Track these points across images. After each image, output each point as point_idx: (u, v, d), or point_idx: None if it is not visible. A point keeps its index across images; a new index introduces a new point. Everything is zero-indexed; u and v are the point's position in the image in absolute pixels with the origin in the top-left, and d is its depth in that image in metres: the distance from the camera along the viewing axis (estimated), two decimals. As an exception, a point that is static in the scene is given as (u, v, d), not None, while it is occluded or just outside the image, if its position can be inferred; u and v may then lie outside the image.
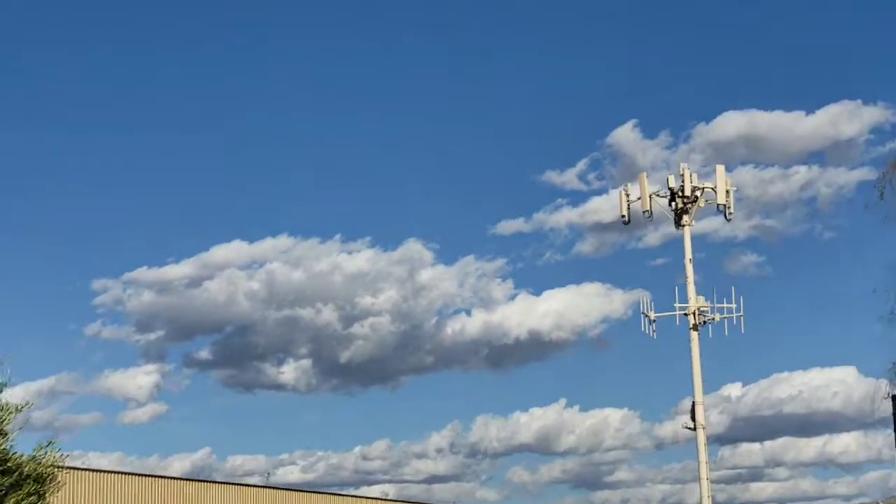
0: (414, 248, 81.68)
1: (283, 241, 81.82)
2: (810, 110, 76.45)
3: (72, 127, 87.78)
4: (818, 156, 79.48)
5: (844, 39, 77.10)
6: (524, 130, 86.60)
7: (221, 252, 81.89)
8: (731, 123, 74.93)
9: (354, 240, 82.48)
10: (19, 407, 21.37)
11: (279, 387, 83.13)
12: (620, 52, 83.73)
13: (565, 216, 79.63)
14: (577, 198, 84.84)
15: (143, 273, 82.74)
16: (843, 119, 73.64)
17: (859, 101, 74.15)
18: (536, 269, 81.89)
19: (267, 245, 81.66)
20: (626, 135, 77.69)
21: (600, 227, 77.17)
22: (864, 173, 72.28)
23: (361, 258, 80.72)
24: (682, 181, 34.40)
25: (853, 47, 77.15)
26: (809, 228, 75.97)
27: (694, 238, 34.45)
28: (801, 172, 74.40)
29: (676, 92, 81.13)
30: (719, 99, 79.03)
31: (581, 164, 78.81)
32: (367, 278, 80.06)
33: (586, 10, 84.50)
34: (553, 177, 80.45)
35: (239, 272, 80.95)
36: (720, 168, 34.76)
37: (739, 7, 79.80)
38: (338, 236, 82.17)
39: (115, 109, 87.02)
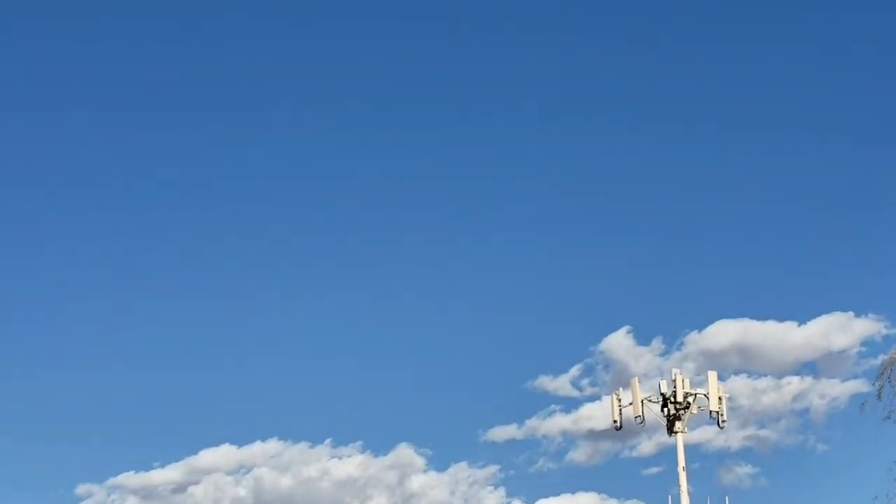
0: (405, 453, 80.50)
1: (273, 445, 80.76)
2: (802, 321, 76.71)
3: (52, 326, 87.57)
4: (811, 366, 79.40)
5: (836, 253, 78.24)
6: (518, 336, 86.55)
7: (209, 456, 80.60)
8: (724, 332, 74.93)
9: (345, 444, 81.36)
10: None
11: None
12: (616, 260, 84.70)
13: (558, 423, 78.88)
14: (570, 404, 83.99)
15: (129, 478, 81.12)
16: (835, 330, 73.78)
17: (851, 314, 74.45)
18: (529, 476, 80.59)
19: (256, 449, 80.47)
20: (619, 341, 77.65)
21: (593, 435, 76.23)
22: (857, 385, 72.07)
23: (352, 463, 79.45)
24: (675, 387, 34.28)
25: (845, 261, 78.19)
26: (803, 440, 75.28)
27: (688, 447, 34.21)
28: (794, 383, 74.22)
29: (670, 300, 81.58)
30: (712, 308, 79.45)
31: (574, 371, 78.54)
32: (357, 484, 78.60)
33: (579, 215, 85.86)
34: (546, 382, 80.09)
35: (226, 477, 79.51)
36: (712, 374, 34.65)
37: (729, 217, 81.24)
38: (328, 440, 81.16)
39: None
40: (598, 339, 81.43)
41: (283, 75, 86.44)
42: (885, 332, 69.73)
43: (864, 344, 71.92)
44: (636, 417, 34.50)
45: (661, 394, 34.32)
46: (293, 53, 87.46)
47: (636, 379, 35.00)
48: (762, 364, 74.87)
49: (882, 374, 30.34)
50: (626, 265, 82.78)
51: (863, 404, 30.58)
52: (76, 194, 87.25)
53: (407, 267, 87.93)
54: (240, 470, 78.81)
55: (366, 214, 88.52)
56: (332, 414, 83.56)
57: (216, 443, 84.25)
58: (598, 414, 69.87)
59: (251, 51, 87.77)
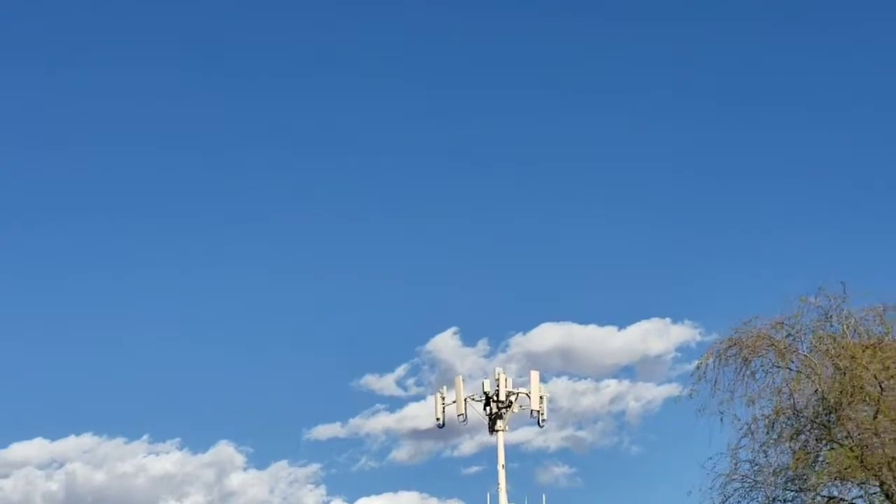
0: (225, 450, 79.50)
1: (87, 439, 78.72)
2: (622, 326, 78.93)
3: None
4: (628, 370, 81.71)
5: (655, 260, 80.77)
6: (344, 335, 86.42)
7: (20, 450, 78.06)
8: (548, 335, 76.48)
9: (163, 440, 79.88)
10: None
11: None
12: (441, 260, 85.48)
13: (382, 422, 79.13)
14: (395, 404, 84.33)
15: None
16: (653, 336, 76.12)
17: (668, 320, 76.97)
18: (351, 475, 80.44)
19: (69, 443, 78.32)
20: (445, 342, 78.42)
21: (416, 434, 76.73)
22: (671, 389, 74.19)
23: (169, 460, 78.04)
24: (498, 386, 34.78)
25: (663, 269, 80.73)
26: (619, 441, 77.37)
27: (508, 447, 34.71)
28: (612, 386, 76.21)
29: (496, 302, 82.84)
30: (537, 311, 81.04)
31: (400, 370, 78.94)
32: (174, 481, 77.23)
33: (407, 215, 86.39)
34: (372, 381, 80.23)
35: (37, 471, 77.12)
36: (534, 374, 35.31)
37: (554, 224, 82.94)
38: (146, 436, 79.57)
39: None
40: (425, 340, 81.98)
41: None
42: (699, 338, 72.13)
43: (679, 349, 74.41)
44: (459, 416, 34.89)
45: (485, 392, 34.77)
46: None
47: (460, 377, 35.41)
48: (583, 367, 76.63)
49: (698, 368, 31.53)
50: (454, 267, 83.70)
51: (682, 396, 31.79)
52: None
53: (231, 260, 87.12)
54: (52, 464, 76.69)
55: (187, 202, 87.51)
56: (150, 409, 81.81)
57: (28, 436, 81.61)
58: (422, 413, 70.36)
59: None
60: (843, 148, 78.58)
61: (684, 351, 73.28)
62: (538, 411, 34.91)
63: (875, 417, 29.16)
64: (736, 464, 30.70)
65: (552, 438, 70.59)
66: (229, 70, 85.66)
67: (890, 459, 28.76)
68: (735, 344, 31.20)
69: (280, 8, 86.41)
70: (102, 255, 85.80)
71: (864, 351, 29.52)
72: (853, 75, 79.97)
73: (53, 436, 79.76)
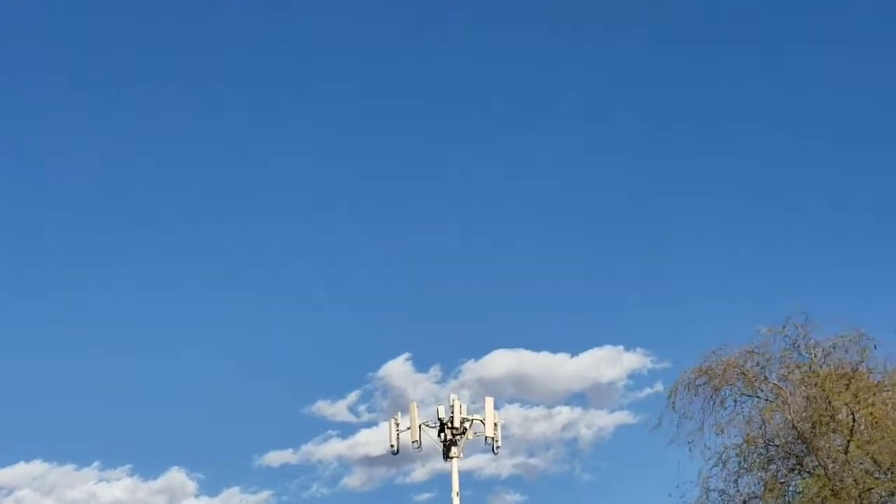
0: (177, 477, 77.67)
1: (37, 466, 76.30)
2: (574, 353, 79.48)
3: None
4: (580, 397, 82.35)
5: (608, 288, 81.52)
6: (296, 361, 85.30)
7: (-31, 478, 75.15)
8: (500, 362, 76.56)
9: (114, 467, 77.56)
10: None
11: None
12: (393, 287, 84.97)
13: (334, 448, 78.15)
14: (346, 430, 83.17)
15: None
16: (605, 363, 76.83)
17: (621, 348, 77.81)
18: (302, 502, 79.28)
19: (18, 470, 75.85)
20: (398, 368, 77.84)
21: (368, 461, 75.97)
22: (623, 416, 75.32)
23: (120, 487, 75.98)
24: (452, 412, 34.10)
25: (617, 297, 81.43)
26: (570, 468, 77.69)
27: (460, 474, 34.08)
28: (564, 413, 76.64)
29: (449, 328, 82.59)
30: (490, 337, 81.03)
31: (352, 396, 78.05)
32: (124, 509, 75.07)
33: (358, 241, 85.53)
34: (324, 408, 79.20)
35: (-15, 499, 74.22)
36: (489, 400, 34.60)
37: (506, 250, 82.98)
38: (96, 463, 77.35)
39: None
40: (378, 366, 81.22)
41: None
42: (651, 366, 73.05)
43: (630, 377, 75.12)
44: (413, 442, 34.06)
45: (439, 419, 34.03)
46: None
47: (415, 403, 34.52)
48: (535, 394, 76.91)
49: (669, 397, 31.30)
50: (406, 293, 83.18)
51: (650, 424, 31.60)
52: None
53: (182, 285, 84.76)
54: (1, 491, 74.28)
55: (139, 217, 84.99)
56: (101, 436, 79.74)
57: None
58: (374, 440, 69.70)
59: None
60: (797, 174, 79.21)
61: (636, 378, 73.97)
62: (493, 438, 34.23)
63: (847, 447, 29.20)
64: (706, 493, 30.47)
65: (504, 465, 70.52)
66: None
67: (862, 490, 28.82)
68: (705, 373, 31.03)
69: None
70: (49, 277, 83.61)
71: (837, 380, 29.57)
72: (811, 101, 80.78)
73: (2, 463, 77.13)
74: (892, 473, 28.61)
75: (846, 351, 30.46)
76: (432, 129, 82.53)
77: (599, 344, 78.93)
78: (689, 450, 30.79)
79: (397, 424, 34.29)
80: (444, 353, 79.55)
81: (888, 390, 30.07)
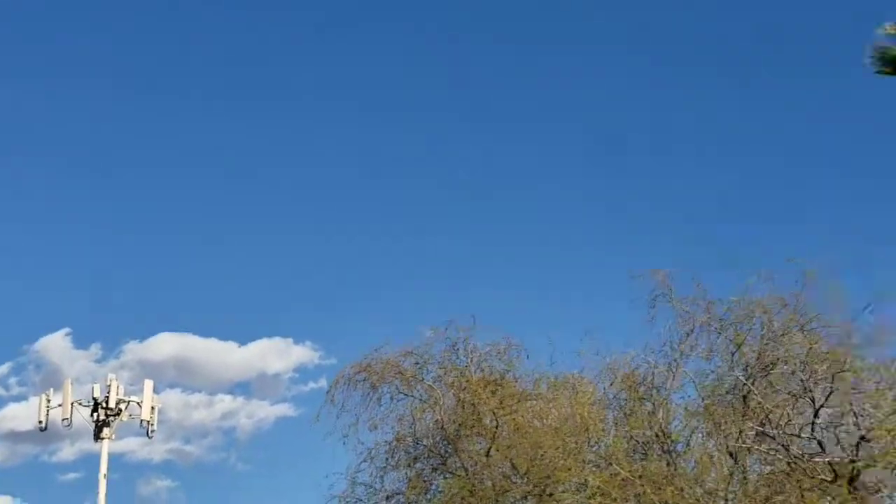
0: None
1: None
2: (243, 342, 78.26)
3: None
4: (244, 387, 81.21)
5: (280, 278, 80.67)
6: None
7: None
8: (165, 345, 74.48)
9: None
10: None
11: None
12: (53, 260, 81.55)
13: None
14: None
15: None
16: (272, 354, 76.12)
17: (290, 340, 77.21)
18: None
19: None
20: (56, 343, 74.50)
21: (14, 436, 72.33)
22: (285, 408, 74.93)
23: None
24: (108, 392, 33.45)
25: (288, 288, 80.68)
26: (226, 457, 76.50)
27: (111, 457, 33.63)
28: (226, 401, 75.53)
29: (114, 305, 79.54)
30: (156, 319, 78.52)
31: (3, 368, 74.11)
32: None
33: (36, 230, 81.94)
34: None
35: None
36: (148, 383, 34.24)
37: (190, 236, 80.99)
38: None
39: None
40: (34, 339, 77.54)
41: None
42: (318, 360, 72.97)
43: (297, 370, 74.81)
44: (64, 420, 33.28)
45: (94, 398, 33.37)
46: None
47: (69, 380, 33.86)
48: (199, 380, 75.47)
49: (332, 388, 31.71)
50: (69, 268, 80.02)
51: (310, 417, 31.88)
52: None
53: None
54: None
55: None
56: None
57: None
58: (21, 414, 66.84)
59: None
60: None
61: (302, 372, 73.80)
62: (148, 422, 33.84)
63: (489, 451, 30.31)
64: (353, 486, 30.98)
65: (157, 450, 68.75)
66: None
67: (499, 492, 29.97)
68: (364, 369, 31.56)
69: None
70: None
71: (486, 386, 30.68)
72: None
73: None
74: (527, 478, 29.85)
75: (499, 358, 31.72)
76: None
77: (269, 335, 79.04)
78: (344, 443, 31.27)
79: (48, 400, 33.39)
80: (106, 331, 77.51)
81: (533, 399, 31.45)
